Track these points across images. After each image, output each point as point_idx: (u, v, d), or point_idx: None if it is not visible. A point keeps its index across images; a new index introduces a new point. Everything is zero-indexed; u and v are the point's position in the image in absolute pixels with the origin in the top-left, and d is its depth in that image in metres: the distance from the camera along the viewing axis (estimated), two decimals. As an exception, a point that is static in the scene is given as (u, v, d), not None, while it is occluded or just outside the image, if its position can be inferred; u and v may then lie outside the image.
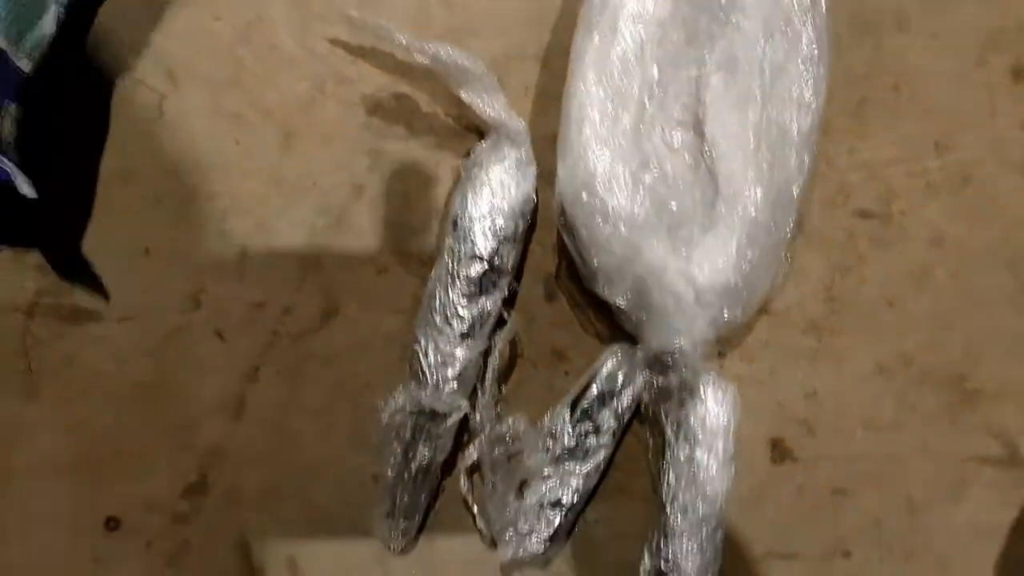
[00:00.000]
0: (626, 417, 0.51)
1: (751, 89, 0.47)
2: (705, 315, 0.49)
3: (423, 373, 0.49)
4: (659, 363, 0.50)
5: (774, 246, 0.49)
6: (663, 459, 0.51)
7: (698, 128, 0.49)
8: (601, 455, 0.51)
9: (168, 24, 0.55)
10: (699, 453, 0.50)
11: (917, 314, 0.54)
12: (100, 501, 0.52)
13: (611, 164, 0.48)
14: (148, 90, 0.54)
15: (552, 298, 0.54)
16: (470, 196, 0.50)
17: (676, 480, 0.50)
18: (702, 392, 0.50)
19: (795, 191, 0.49)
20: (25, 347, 0.52)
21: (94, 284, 0.53)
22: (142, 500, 0.52)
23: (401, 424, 0.49)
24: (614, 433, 0.51)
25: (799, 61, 0.48)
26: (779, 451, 0.53)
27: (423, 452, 0.49)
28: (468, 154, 0.52)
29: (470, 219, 0.50)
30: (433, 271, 0.51)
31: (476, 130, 0.54)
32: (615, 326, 0.52)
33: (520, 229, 0.51)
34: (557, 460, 0.51)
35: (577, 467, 0.51)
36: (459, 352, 0.49)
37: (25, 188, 0.47)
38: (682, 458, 0.50)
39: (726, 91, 0.48)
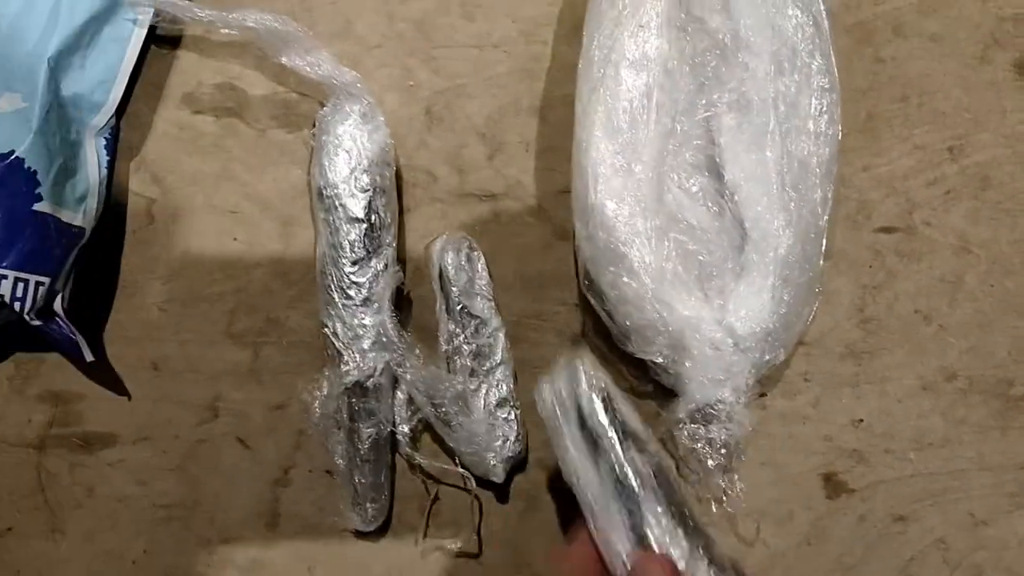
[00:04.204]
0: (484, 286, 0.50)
1: (767, 127, 0.46)
2: (745, 362, 0.47)
3: (340, 353, 0.48)
4: (702, 415, 0.48)
5: (808, 282, 0.47)
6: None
7: (714, 171, 0.48)
8: (500, 335, 0.50)
9: (146, 125, 0.52)
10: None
11: (954, 324, 0.53)
12: (141, 631, 0.49)
13: (630, 220, 0.46)
14: (135, 196, 0.52)
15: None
16: (326, 164, 0.49)
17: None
18: None
19: (822, 223, 0.47)
20: (41, 482, 0.49)
21: (114, 381, 0.50)
22: (185, 625, 0.50)
23: (336, 411, 0.48)
24: (493, 307, 0.50)
25: (811, 92, 0.46)
26: (833, 485, 0.52)
27: (366, 431, 0.48)
28: (313, 125, 0.51)
29: (334, 186, 0.48)
30: (316, 251, 0.50)
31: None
32: (650, 379, 0.50)
33: (388, 177, 0.50)
34: (474, 372, 0.49)
35: (489, 363, 0.49)
36: (367, 320, 0.48)
37: (88, 356, 0.46)
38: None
39: (740, 131, 0.46)
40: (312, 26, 0.54)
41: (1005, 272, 0.53)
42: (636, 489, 0.40)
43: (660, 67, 0.46)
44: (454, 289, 0.50)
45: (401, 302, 0.51)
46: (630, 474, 0.40)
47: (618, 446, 0.41)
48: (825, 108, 0.47)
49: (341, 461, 0.48)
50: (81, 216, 0.47)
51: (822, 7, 0.48)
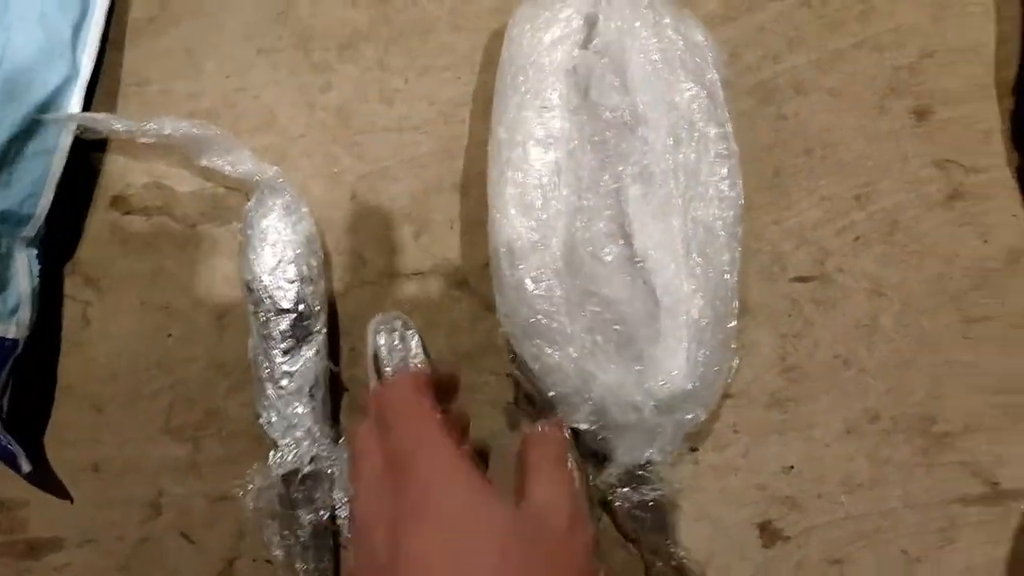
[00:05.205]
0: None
1: (670, 197, 0.48)
2: (669, 423, 0.48)
3: (276, 443, 0.49)
4: (632, 477, 0.50)
5: (722, 342, 0.49)
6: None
7: (627, 238, 0.49)
8: None
9: (77, 230, 0.54)
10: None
11: (873, 367, 0.55)
12: None
13: (549, 292, 0.48)
14: (70, 301, 0.53)
15: (515, 427, 0.54)
16: (253, 258, 0.50)
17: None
18: None
19: (732, 283, 0.49)
20: (-12, 592, 0.50)
21: (56, 485, 0.51)
22: None
23: (269, 502, 0.49)
24: None
25: (710, 160, 0.48)
26: (769, 534, 0.53)
27: (306, 517, 0.49)
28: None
29: (261, 278, 0.50)
30: (249, 342, 0.51)
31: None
32: (583, 445, 0.52)
33: (315, 266, 0.51)
34: None
35: None
36: (300, 408, 0.49)
37: (25, 467, 0.47)
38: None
39: (646, 202, 0.48)
40: (236, 121, 0.56)
41: (918, 312, 0.55)
42: None
43: (565, 144, 0.48)
44: (388, 370, 0.51)
45: (337, 387, 0.52)
46: None
47: None
48: (726, 174, 0.49)
49: (279, 552, 0.48)
50: (14, 328, 0.48)
51: (716, 77, 0.50)
